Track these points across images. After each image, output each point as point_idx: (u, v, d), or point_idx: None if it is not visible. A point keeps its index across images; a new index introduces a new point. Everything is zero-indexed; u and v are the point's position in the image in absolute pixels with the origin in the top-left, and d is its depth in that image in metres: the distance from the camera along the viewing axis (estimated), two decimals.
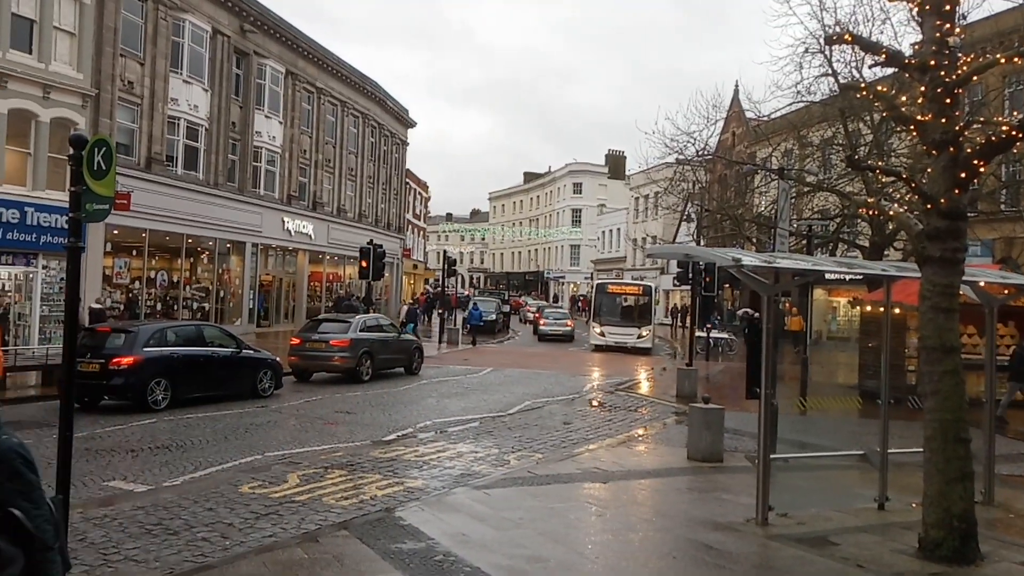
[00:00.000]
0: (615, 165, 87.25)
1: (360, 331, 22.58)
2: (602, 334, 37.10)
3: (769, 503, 9.00)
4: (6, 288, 20.96)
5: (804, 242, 22.77)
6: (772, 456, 9.21)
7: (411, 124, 58.45)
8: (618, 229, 74.12)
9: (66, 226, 21.51)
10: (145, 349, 16.33)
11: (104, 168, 6.61)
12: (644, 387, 24.26)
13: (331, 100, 43.01)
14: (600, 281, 43.94)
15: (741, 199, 32.43)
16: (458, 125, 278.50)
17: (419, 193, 73.77)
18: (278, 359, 19.82)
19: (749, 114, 32.61)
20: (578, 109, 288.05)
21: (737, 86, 44.04)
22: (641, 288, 39.84)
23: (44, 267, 23.77)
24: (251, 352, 19.02)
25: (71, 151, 6.51)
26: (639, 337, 36.60)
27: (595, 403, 20.44)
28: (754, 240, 31.50)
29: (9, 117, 22.77)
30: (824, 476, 10.71)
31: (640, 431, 16.11)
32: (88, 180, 6.50)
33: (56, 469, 6.28)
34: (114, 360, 15.84)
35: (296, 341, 22.62)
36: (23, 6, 23.21)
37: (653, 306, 38.89)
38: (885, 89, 9.57)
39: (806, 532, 8.82)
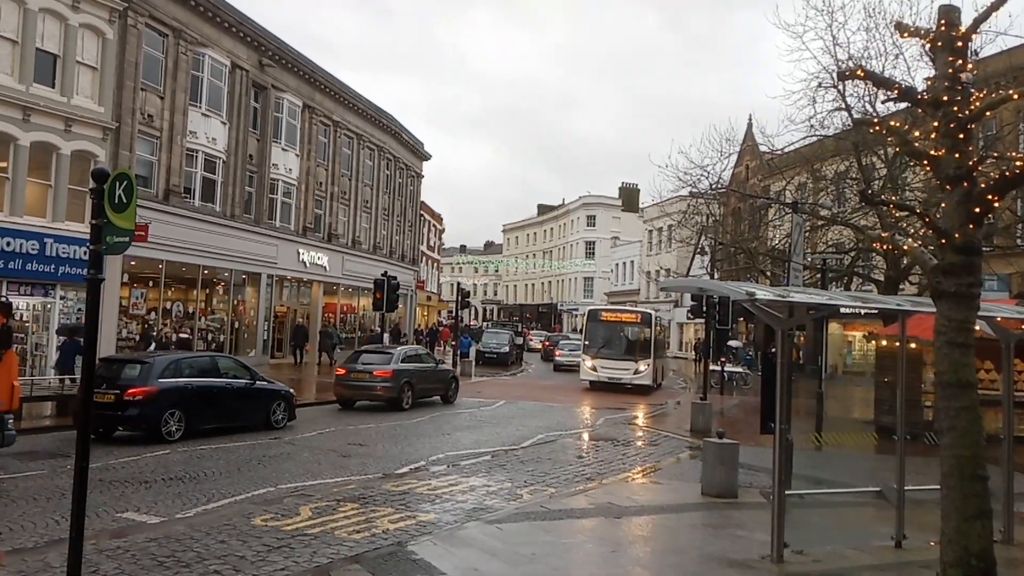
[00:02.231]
0: (628, 198, 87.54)
1: (401, 362, 23.55)
2: (594, 368, 32.23)
3: (784, 540, 8.91)
4: (24, 318, 21.07)
5: (818, 276, 22.71)
6: (787, 492, 9.13)
7: (426, 157, 58.94)
8: (632, 262, 74.17)
9: (84, 257, 21.80)
10: (160, 380, 16.33)
11: (125, 201, 6.70)
12: (658, 421, 24.12)
13: (347, 133, 43.47)
14: (592, 307, 37.14)
15: (755, 232, 32.46)
16: (460, 154, 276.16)
17: (433, 225, 74.14)
18: (292, 391, 19.86)
19: (762, 148, 32.71)
20: (580, 136, 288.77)
21: (751, 120, 44.23)
22: (640, 316, 34.42)
23: (62, 298, 24.00)
24: (265, 384, 19.02)
25: (93, 184, 6.60)
26: (636, 372, 31.89)
27: (608, 437, 20.32)
28: (768, 274, 31.42)
29: (31, 149, 23.16)
30: (840, 513, 10.58)
31: (654, 466, 16.01)
32: (109, 213, 6.58)
33: (72, 500, 6.31)
34: (129, 391, 15.82)
35: (341, 372, 23.65)
36: (47, 41, 23.71)
37: (654, 337, 33.10)
38: (898, 124, 9.58)
39: (822, 570, 8.72)
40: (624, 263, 77.00)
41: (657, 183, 61.69)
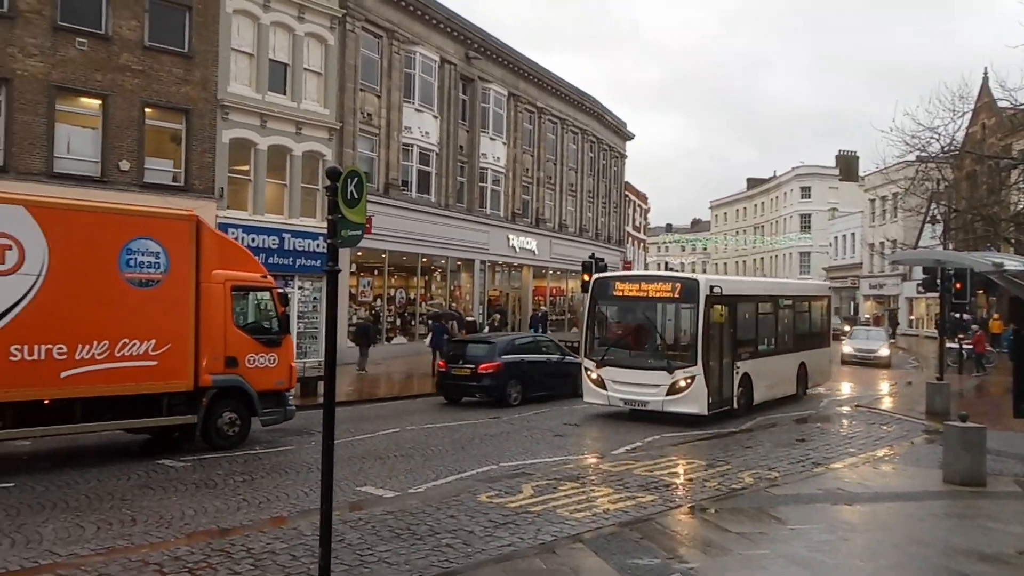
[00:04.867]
0: (846, 166, 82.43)
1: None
2: (600, 383, 18.22)
3: None
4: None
5: None
6: None
7: (629, 137, 58.51)
8: (852, 234, 69.84)
9: (317, 250, 23.71)
10: (503, 357, 19.62)
11: (356, 197, 7.12)
12: (887, 403, 22.63)
13: (551, 119, 43.99)
14: (601, 276, 20.32)
15: (995, 197, 29.53)
16: (645, 129, 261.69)
17: (638, 205, 73.52)
18: None
19: (1002, 103, 29.69)
20: (770, 101, 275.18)
21: (986, 73, 40.14)
22: (677, 285, 18.50)
23: (300, 288, 26.10)
24: (571, 358, 21.28)
25: (327, 182, 7.05)
26: (673, 391, 17.27)
27: (834, 419, 19.33)
28: (1012, 241, 28.55)
29: (269, 153, 25.35)
30: None
31: (886, 450, 15.03)
32: (343, 208, 7.02)
33: (321, 474, 6.84)
34: (481, 366, 19.32)
35: None
36: (279, 52, 25.80)
37: (705, 321, 17.38)
38: None
39: None
40: (844, 236, 72.63)
41: (880, 148, 57.83)
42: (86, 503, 10.05)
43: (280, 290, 15.20)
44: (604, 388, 18.15)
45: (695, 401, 17.22)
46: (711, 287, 17.72)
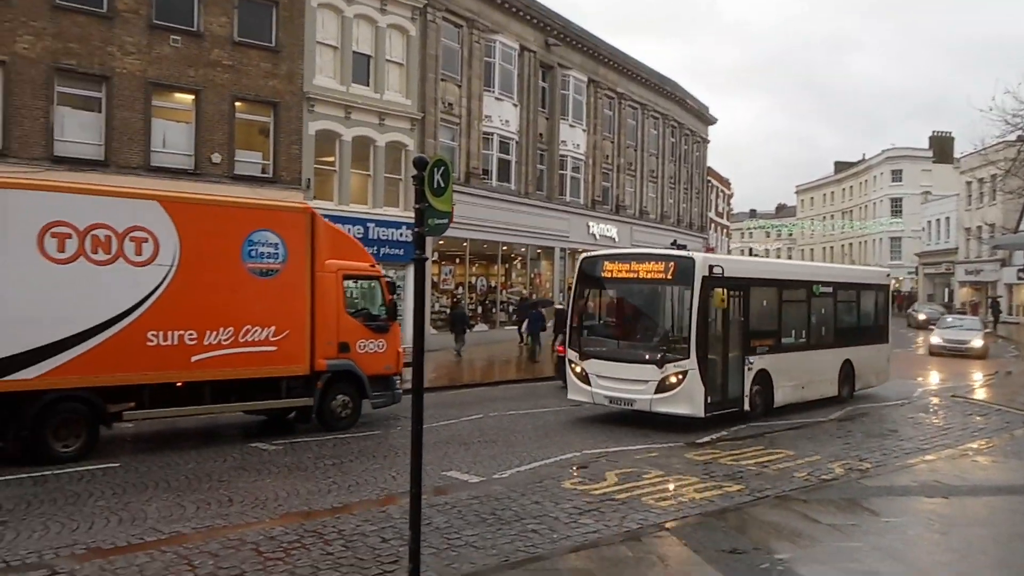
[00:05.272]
0: (940, 148, 79.12)
1: None
2: (583, 376, 16.02)
3: None
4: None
5: None
6: None
7: (711, 121, 57.46)
8: (947, 218, 67.10)
9: (400, 239, 24.06)
10: None
11: (443, 186, 7.19)
12: (984, 393, 21.77)
13: (631, 104, 43.54)
14: (589, 255, 17.93)
15: None
16: (729, 113, 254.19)
17: (721, 191, 72.24)
18: None
19: None
20: (856, 82, 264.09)
21: None
22: (670, 265, 15.58)
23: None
24: None
25: (414, 172, 7.14)
26: (663, 387, 14.85)
27: (927, 409, 18.69)
28: None
29: (353, 143, 25.82)
30: None
31: (983, 442, 14.47)
32: (430, 197, 7.10)
33: (410, 458, 6.96)
34: None
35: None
36: (362, 44, 26.24)
37: (700, 306, 14.85)
38: None
39: None
40: (937, 220, 69.83)
41: (978, 128, 55.18)
42: (186, 483, 10.48)
43: (388, 279, 15.74)
44: (588, 383, 15.88)
45: (687, 400, 14.79)
46: (710, 267, 15.30)
